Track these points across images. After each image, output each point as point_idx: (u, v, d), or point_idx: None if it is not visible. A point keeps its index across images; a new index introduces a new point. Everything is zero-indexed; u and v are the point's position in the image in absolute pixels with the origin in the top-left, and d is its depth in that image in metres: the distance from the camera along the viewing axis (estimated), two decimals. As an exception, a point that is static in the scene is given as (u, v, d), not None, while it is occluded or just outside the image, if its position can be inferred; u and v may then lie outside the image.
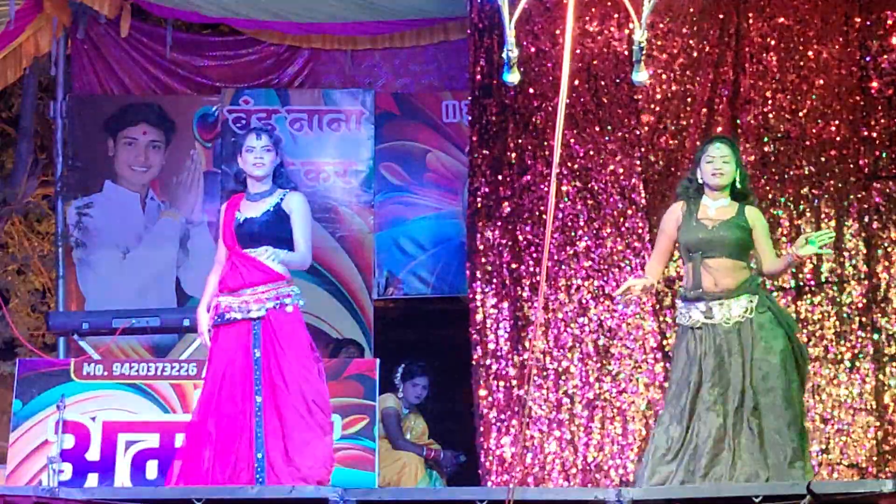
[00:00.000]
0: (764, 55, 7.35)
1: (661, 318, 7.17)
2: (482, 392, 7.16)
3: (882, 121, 7.25)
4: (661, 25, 7.44)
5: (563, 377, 7.15)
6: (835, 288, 7.05)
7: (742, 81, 7.35)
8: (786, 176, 7.24)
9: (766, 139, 7.29)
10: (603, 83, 7.44)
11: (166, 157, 9.19)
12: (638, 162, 7.37)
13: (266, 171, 5.87)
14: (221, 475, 5.60)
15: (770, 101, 7.31)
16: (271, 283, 5.78)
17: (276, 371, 5.68)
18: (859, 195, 7.17)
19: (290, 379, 5.69)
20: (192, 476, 5.64)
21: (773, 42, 7.35)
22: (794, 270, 7.00)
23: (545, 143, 7.36)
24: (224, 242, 5.88)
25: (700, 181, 5.79)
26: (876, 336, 7.03)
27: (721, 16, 7.45)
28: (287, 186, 5.94)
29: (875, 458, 6.86)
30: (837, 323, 7.04)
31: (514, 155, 7.42)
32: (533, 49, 7.44)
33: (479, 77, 7.52)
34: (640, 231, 7.28)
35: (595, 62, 7.46)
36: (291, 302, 5.80)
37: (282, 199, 5.88)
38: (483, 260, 7.31)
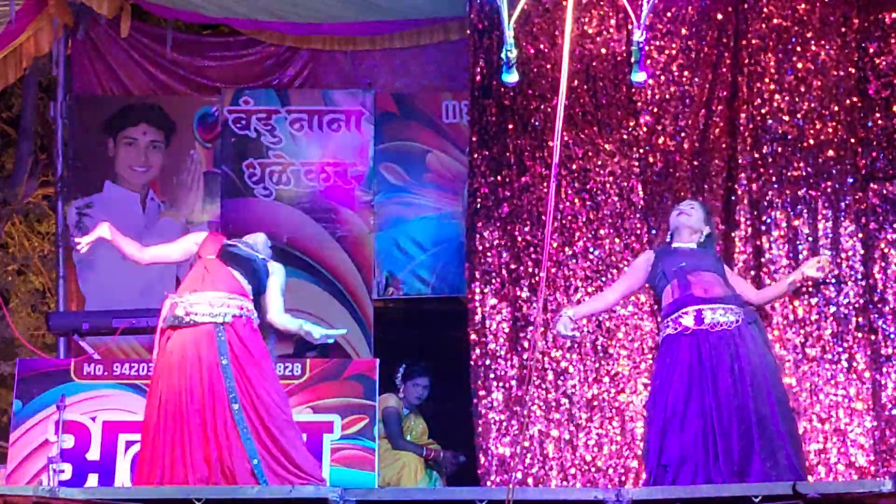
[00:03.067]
0: (762, 56, 7.36)
1: (660, 319, 7.18)
2: (481, 392, 7.17)
3: (879, 122, 7.26)
4: (660, 26, 7.45)
5: (562, 377, 7.16)
6: (832, 289, 7.06)
7: (740, 82, 7.36)
8: (783, 177, 7.24)
9: (763, 140, 7.29)
10: (601, 84, 7.45)
11: (166, 157, 9.20)
12: (636, 163, 7.38)
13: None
14: (189, 478, 5.52)
15: (768, 102, 7.32)
16: (238, 294, 5.77)
17: (250, 378, 5.61)
18: (856, 196, 7.18)
19: (265, 385, 5.64)
20: (154, 477, 5.55)
21: (771, 43, 7.36)
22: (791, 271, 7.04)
23: (544, 144, 7.37)
24: (203, 250, 5.87)
25: (670, 234, 6.07)
26: (873, 336, 7.03)
27: (719, 17, 7.46)
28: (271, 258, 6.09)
29: (873, 458, 6.87)
30: (835, 323, 7.05)
31: (513, 156, 7.42)
32: (532, 50, 7.45)
33: (478, 77, 7.53)
34: (638, 232, 7.29)
35: (594, 63, 7.47)
36: (252, 317, 5.80)
37: (266, 261, 6.00)
38: (482, 260, 7.32)
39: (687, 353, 5.71)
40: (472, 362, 7.24)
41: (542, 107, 7.43)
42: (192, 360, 5.62)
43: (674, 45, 7.46)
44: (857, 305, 7.05)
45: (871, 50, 7.31)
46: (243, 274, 5.85)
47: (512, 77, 5.33)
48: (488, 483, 7.00)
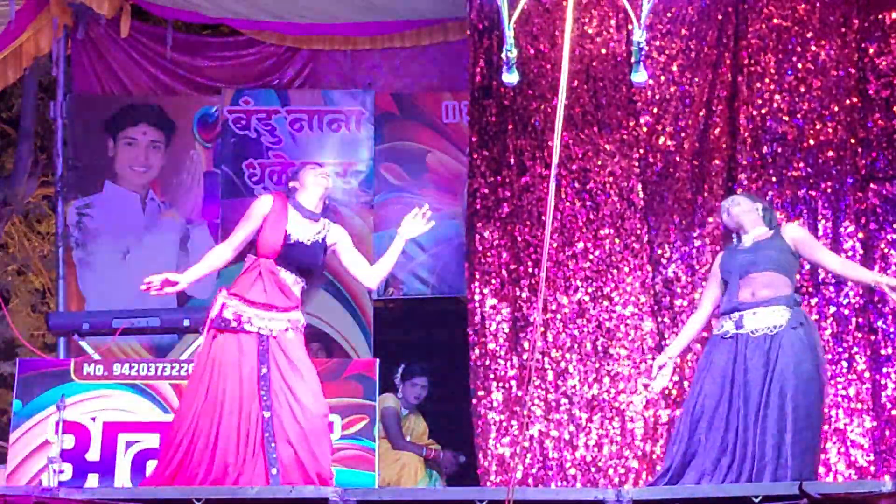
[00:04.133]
0: (762, 56, 7.36)
1: (660, 319, 7.18)
2: (481, 392, 7.17)
3: (879, 122, 7.26)
4: (660, 27, 7.45)
5: (562, 377, 7.17)
6: (832, 289, 7.06)
7: (740, 83, 7.36)
8: (783, 177, 7.24)
9: (763, 140, 7.30)
10: (602, 84, 7.45)
11: (166, 157, 9.20)
12: (636, 163, 7.39)
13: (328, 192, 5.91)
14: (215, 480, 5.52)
15: (768, 103, 7.32)
16: (287, 310, 5.72)
17: (291, 387, 5.59)
18: (856, 196, 7.18)
19: (306, 395, 5.62)
20: (179, 478, 5.54)
21: (771, 43, 7.36)
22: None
23: (544, 144, 7.37)
24: (263, 249, 5.73)
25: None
26: (873, 336, 7.03)
27: (719, 17, 7.46)
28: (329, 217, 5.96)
29: (873, 458, 6.87)
30: (835, 324, 7.05)
31: (513, 156, 7.43)
32: (532, 50, 7.46)
33: (478, 78, 7.53)
34: (638, 232, 7.29)
35: (594, 63, 7.47)
36: (299, 326, 5.76)
37: (328, 232, 5.87)
38: (482, 260, 7.32)
39: (724, 357, 5.73)
40: (471, 362, 7.24)
41: (542, 107, 7.43)
42: (234, 365, 5.61)
43: (674, 46, 7.46)
44: (857, 305, 7.06)
45: (871, 50, 7.31)
46: (300, 271, 5.77)
47: (512, 77, 5.33)
48: (488, 483, 7.01)
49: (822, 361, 5.81)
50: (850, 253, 7.10)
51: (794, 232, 6.00)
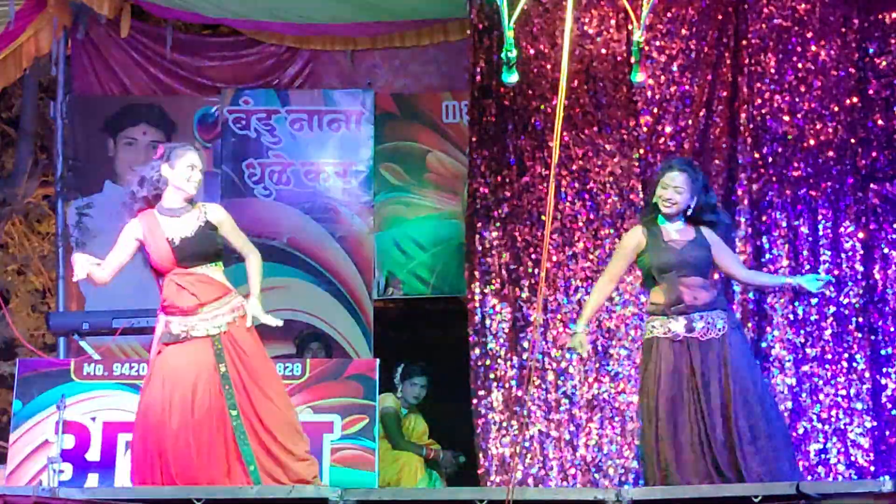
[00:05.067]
0: (762, 56, 7.35)
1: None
2: (481, 392, 7.17)
3: (880, 122, 7.25)
4: (660, 27, 7.45)
5: (562, 377, 7.16)
6: (832, 288, 7.05)
7: (740, 82, 7.36)
8: (783, 177, 7.24)
9: (763, 140, 7.29)
10: (602, 84, 7.45)
11: (166, 157, 9.18)
12: (636, 163, 7.38)
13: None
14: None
15: (768, 103, 7.31)
16: (223, 297, 5.68)
17: (248, 380, 5.57)
18: (856, 196, 7.17)
19: (267, 386, 5.60)
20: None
21: (771, 43, 7.35)
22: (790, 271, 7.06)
23: (544, 144, 7.37)
24: (158, 264, 5.68)
25: (655, 202, 5.87)
26: (873, 336, 7.03)
27: (720, 17, 7.46)
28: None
29: (873, 458, 6.87)
30: (835, 323, 7.05)
31: (513, 156, 7.42)
32: (532, 50, 7.45)
33: (478, 78, 7.53)
34: (638, 232, 7.28)
35: (594, 63, 7.47)
36: (243, 312, 5.67)
37: (207, 213, 5.80)
38: (482, 260, 7.32)
39: (676, 360, 5.70)
40: (471, 362, 7.24)
41: (542, 107, 7.42)
42: (192, 372, 5.57)
43: (674, 46, 7.45)
44: (857, 305, 7.05)
45: (871, 50, 7.30)
46: (205, 259, 5.69)
47: (512, 77, 5.33)
48: (488, 483, 7.00)
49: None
50: (850, 253, 7.10)
51: (709, 234, 5.92)
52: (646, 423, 5.73)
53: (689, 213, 5.84)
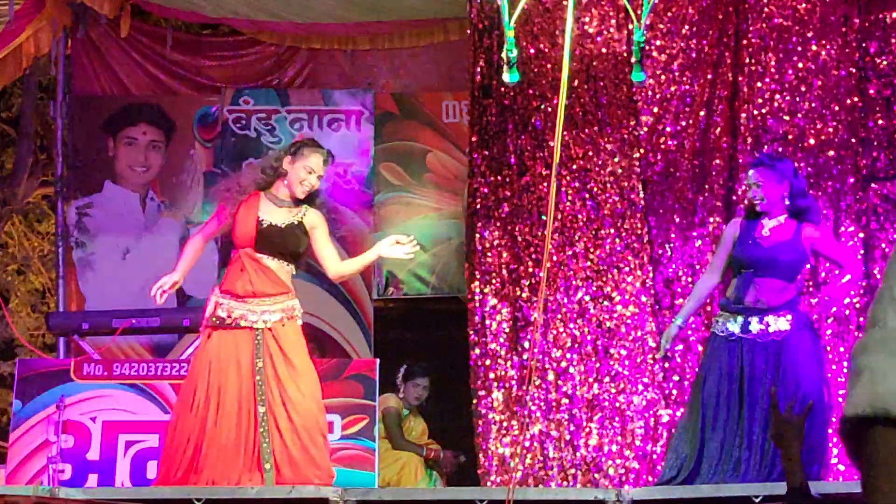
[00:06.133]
0: (762, 56, 7.35)
1: (660, 319, 7.18)
2: (481, 392, 7.17)
3: (880, 122, 7.24)
4: (661, 26, 7.45)
5: (563, 377, 7.16)
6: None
7: (741, 82, 7.35)
8: (784, 177, 7.24)
9: (763, 140, 7.29)
10: (602, 84, 7.45)
11: (166, 157, 9.20)
12: (637, 163, 7.38)
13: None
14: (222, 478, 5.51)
15: (768, 102, 7.31)
16: (279, 296, 5.71)
17: (283, 379, 5.58)
18: (857, 196, 7.17)
19: (300, 387, 5.61)
20: (186, 477, 5.55)
21: (771, 43, 7.35)
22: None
23: (544, 144, 7.37)
24: (238, 237, 5.73)
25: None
26: (874, 337, 7.02)
27: (720, 16, 7.45)
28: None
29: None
30: (835, 324, 7.04)
31: (513, 156, 7.42)
32: (532, 50, 7.45)
33: (478, 77, 7.52)
34: (639, 231, 7.28)
35: (594, 63, 7.46)
36: (295, 314, 5.73)
37: (304, 215, 5.82)
38: (482, 260, 7.32)
39: (728, 359, 5.70)
40: (471, 362, 7.23)
41: (543, 106, 7.42)
42: (231, 362, 5.60)
43: (674, 45, 7.45)
44: (857, 305, 7.05)
45: (872, 50, 7.30)
46: (282, 255, 5.74)
47: (512, 77, 5.33)
48: (488, 483, 7.00)
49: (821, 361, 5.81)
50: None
51: (810, 231, 5.90)
52: (686, 416, 5.75)
53: (787, 204, 5.80)
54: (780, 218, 5.88)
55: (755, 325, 5.70)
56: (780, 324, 5.69)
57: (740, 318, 5.72)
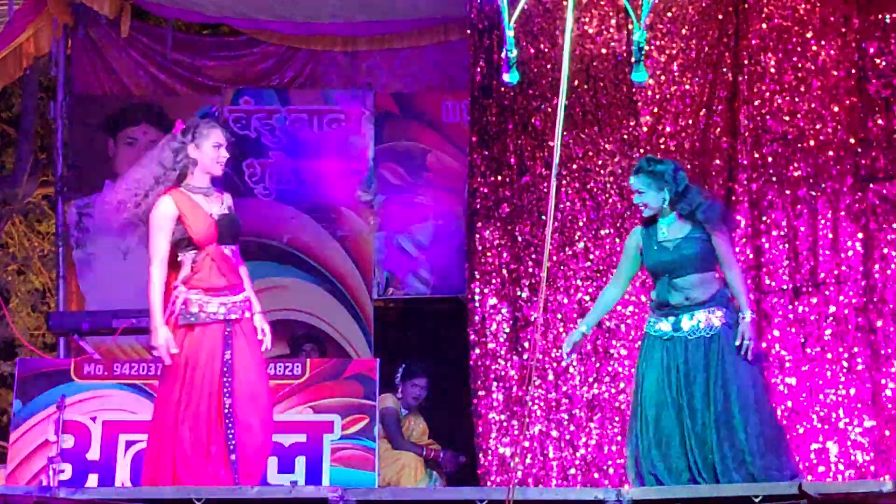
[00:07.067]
0: (762, 56, 7.35)
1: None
2: (481, 392, 7.17)
3: (880, 122, 7.24)
4: (660, 26, 7.45)
5: (563, 377, 7.17)
6: (832, 289, 7.05)
7: (740, 82, 7.35)
8: (783, 177, 7.24)
9: (763, 140, 7.29)
10: (602, 84, 7.45)
11: (166, 157, 9.18)
12: (636, 162, 7.37)
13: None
14: (199, 477, 5.48)
15: (768, 102, 7.31)
16: (245, 291, 5.67)
17: (248, 374, 5.55)
18: (856, 196, 7.17)
19: (261, 382, 5.60)
20: (163, 478, 5.50)
21: (771, 43, 7.35)
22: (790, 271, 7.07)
23: (544, 144, 7.37)
24: (200, 238, 5.58)
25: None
26: (873, 336, 7.03)
27: (720, 17, 7.46)
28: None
29: (873, 458, 6.86)
30: (835, 323, 7.05)
31: (513, 156, 7.43)
32: (532, 50, 7.46)
33: (478, 77, 7.53)
34: (638, 231, 7.28)
35: (594, 63, 7.47)
36: (252, 302, 5.69)
37: (224, 197, 5.74)
38: (482, 260, 7.32)
39: (663, 358, 5.68)
40: (471, 362, 7.24)
41: (543, 107, 7.43)
42: (204, 358, 5.55)
43: (674, 45, 7.45)
44: (857, 305, 7.05)
45: (871, 50, 7.30)
46: (234, 238, 5.70)
47: (512, 77, 5.33)
48: (488, 483, 7.01)
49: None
50: (850, 253, 7.09)
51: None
52: (632, 420, 5.73)
53: (674, 207, 5.76)
54: (670, 219, 5.81)
55: (686, 323, 5.68)
56: (711, 320, 5.67)
57: (671, 318, 5.70)
